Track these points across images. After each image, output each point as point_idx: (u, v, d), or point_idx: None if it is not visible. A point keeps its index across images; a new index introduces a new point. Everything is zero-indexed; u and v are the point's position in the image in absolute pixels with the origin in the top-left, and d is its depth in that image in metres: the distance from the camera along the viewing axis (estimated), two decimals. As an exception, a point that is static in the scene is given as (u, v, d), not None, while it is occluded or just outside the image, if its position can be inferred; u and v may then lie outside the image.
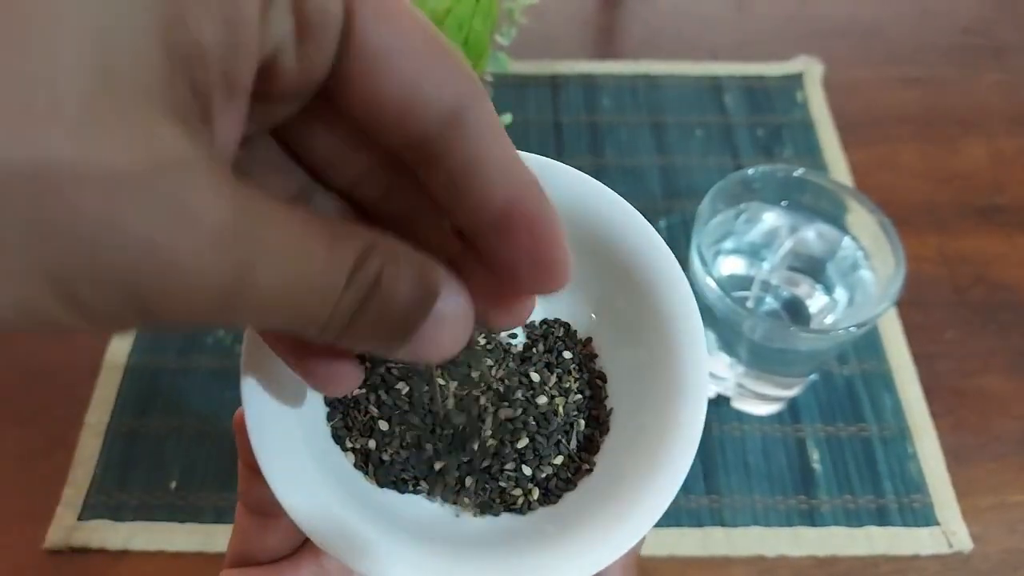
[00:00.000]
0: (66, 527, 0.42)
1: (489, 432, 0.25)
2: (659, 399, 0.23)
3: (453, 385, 0.25)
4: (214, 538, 0.43)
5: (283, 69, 0.15)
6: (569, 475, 0.24)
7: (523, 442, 0.24)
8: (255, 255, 0.13)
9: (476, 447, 0.24)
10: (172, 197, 0.12)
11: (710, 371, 0.45)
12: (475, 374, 0.25)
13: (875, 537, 0.43)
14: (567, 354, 0.26)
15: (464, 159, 0.16)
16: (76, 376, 0.48)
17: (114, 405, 0.47)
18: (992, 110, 0.64)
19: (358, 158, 0.18)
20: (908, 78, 0.66)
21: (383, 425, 0.24)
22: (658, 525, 0.47)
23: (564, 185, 0.23)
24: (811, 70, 0.65)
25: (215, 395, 0.47)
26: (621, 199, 0.23)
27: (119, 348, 0.49)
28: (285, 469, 0.21)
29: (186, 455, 0.45)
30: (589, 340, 0.26)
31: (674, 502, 0.48)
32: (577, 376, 0.26)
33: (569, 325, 0.27)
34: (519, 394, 0.25)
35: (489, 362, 0.25)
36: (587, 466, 0.24)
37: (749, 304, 0.43)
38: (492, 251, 0.17)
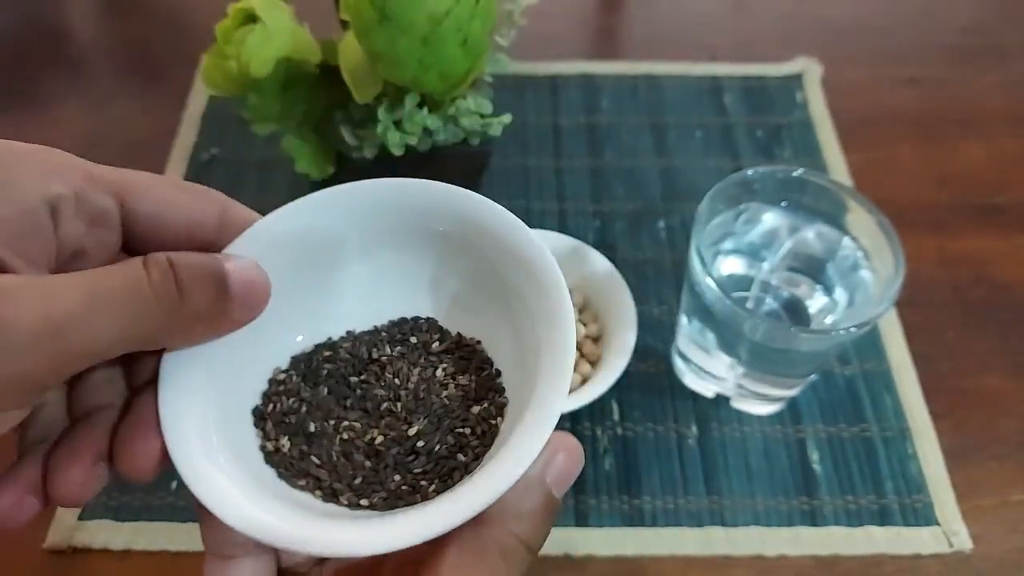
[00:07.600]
0: (67, 527, 0.43)
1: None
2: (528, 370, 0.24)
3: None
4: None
5: (87, 247, 0.22)
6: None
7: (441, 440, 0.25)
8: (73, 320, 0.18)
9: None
10: None
11: (711, 371, 0.45)
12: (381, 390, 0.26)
13: (876, 537, 0.43)
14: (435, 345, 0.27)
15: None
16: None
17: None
18: (991, 110, 0.64)
19: None
20: (907, 78, 0.66)
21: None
22: (659, 524, 0.46)
23: (461, 209, 0.26)
24: (810, 70, 0.65)
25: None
26: (498, 207, 0.25)
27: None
28: (204, 474, 0.22)
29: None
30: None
31: (674, 502, 0.48)
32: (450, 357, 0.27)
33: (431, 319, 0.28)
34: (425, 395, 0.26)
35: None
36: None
37: (749, 305, 0.43)
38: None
